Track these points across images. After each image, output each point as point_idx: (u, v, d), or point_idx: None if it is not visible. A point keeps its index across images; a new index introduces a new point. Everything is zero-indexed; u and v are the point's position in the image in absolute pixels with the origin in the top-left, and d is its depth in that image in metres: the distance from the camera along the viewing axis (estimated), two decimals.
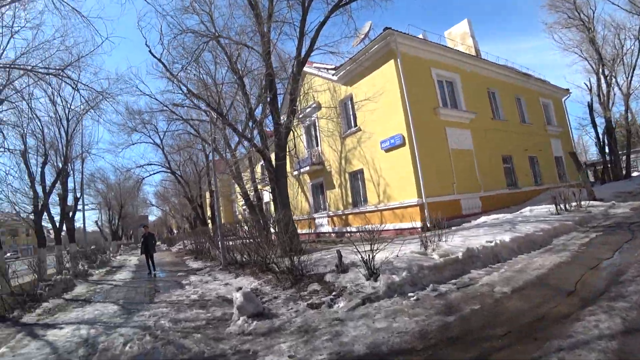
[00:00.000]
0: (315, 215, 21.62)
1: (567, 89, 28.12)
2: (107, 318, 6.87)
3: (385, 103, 15.29)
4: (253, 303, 5.49)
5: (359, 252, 6.48)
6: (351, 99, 17.94)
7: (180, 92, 19.31)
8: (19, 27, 10.68)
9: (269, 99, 12.07)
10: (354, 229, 18.31)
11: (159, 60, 12.52)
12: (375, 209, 16.67)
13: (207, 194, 31.79)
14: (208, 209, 31.72)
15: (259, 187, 24.01)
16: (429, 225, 14.43)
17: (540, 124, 24.23)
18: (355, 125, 17.89)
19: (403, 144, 15.16)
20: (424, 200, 14.62)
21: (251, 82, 14.54)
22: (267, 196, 28.81)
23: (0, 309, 8.25)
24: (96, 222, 47.61)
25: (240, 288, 8.24)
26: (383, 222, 16.41)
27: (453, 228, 11.59)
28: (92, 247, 31.30)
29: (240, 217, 43.94)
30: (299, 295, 6.39)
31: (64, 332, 6.20)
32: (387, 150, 15.96)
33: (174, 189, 41.12)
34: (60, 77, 10.32)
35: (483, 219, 14.10)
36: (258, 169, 26.67)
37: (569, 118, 28.12)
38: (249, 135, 14.02)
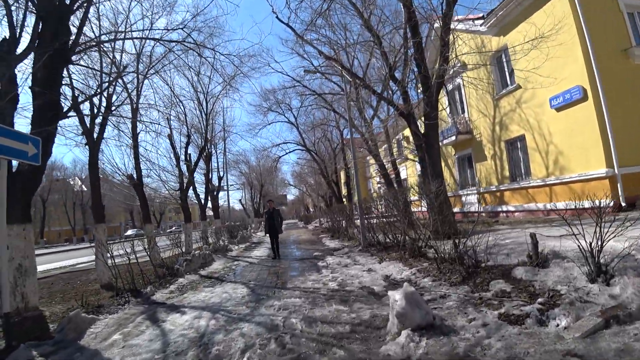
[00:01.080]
0: (462, 192, 18.98)
1: None
2: (233, 305, 5.89)
3: (556, 48, 11.96)
4: (420, 309, 3.77)
5: (574, 235, 4.33)
6: (506, 51, 14.81)
7: (312, 59, 18.54)
8: None
9: (411, 50, 10.11)
10: (511, 208, 15.43)
11: (287, 24, 11.42)
12: (543, 183, 13.55)
13: (342, 172, 31.20)
14: (343, 187, 31.11)
15: (397, 162, 22.33)
16: (624, 204, 11.08)
17: None
18: (513, 82, 14.78)
19: (584, 99, 11.77)
20: (616, 171, 11.19)
21: (390, 38, 12.59)
22: (403, 173, 26.97)
23: (139, 282, 8.08)
24: (240, 200, 51.46)
25: (388, 277, 6.76)
26: (553, 200, 13.29)
27: None
28: (235, 223, 33.45)
29: (375, 195, 42.95)
30: (480, 298, 4.48)
31: (184, 319, 5.36)
32: (559, 109, 12.67)
33: (310, 168, 41.72)
34: (199, 48, 9.89)
35: None
36: (394, 143, 24.90)
37: None
38: (390, 97, 12.12)
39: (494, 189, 16.10)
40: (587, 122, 11.72)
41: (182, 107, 16.05)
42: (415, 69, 10.49)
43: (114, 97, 10.49)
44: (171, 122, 15.42)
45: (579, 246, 4.30)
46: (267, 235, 12.47)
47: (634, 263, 4.17)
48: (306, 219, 47.59)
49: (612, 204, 11.18)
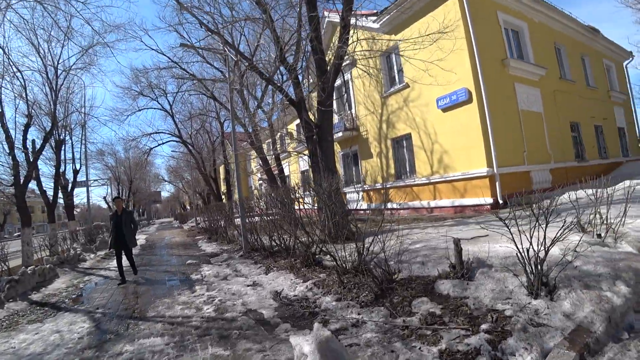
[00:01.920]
0: (346, 190, 18.59)
1: (631, 52, 24.37)
2: (60, 358, 4.01)
3: (445, 51, 11.98)
4: None
5: (513, 237, 3.51)
6: (397, 49, 14.69)
7: (192, 39, 16.39)
8: None
9: (306, 31, 9.00)
10: (396, 206, 15.38)
11: None
12: (427, 181, 13.63)
13: (222, 168, 29.01)
14: (222, 183, 29.00)
15: (280, 158, 21.23)
16: (500, 202, 11.49)
17: (604, 89, 20.77)
18: (402, 81, 14.72)
19: (469, 101, 12.00)
20: (495, 171, 11.58)
21: (282, 20, 11.16)
22: (286, 170, 25.94)
23: None
24: (104, 197, 45.64)
25: (278, 294, 5.42)
26: (436, 198, 13.45)
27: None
28: (100, 223, 28.99)
29: (256, 192, 41.36)
30: (406, 327, 3.41)
31: None
32: (445, 110, 12.81)
33: (186, 162, 38.59)
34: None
35: (566, 195, 10.98)
36: (278, 137, 23.70)
37: (630, 85, 24.50)
38: (279, 84, 10.75)
39: (380, 187, 15.93)
40: (471, 123, 11.96)
41: (21, 78, 12.62)
42: (310, 52, 9.37)
43: None
44: (1, 94, 11.96)
45: (517, 253, 3.49)
46: (111, 250, 8.87)
47: (576, 272, 3.50)
48: (182, 218, 43.97)
49: (491, 201, 11.57)
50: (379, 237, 5.16)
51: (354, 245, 5.42)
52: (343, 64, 10.34)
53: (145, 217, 64.13)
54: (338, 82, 17.92)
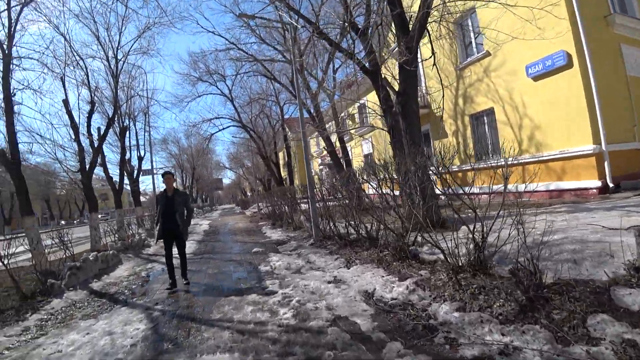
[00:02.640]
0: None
1: None
2: None
3: (536, 11, 10.21)
4: None
5: None
6: (474, 14, 13.01)
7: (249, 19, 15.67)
8: None
9: None
10: (476, 190, 13.80)
11: None
12: (514, 162, 11.95)
13: (281, 153, 28.50)
14: (283, 168, 28.53)
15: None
16: (611, 186, 9.72)
17: None
18: (481, 49, 13.05)
19: (568, 66, 10.19)
20: (603, 148, 9.78)
21: None
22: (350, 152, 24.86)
23: None
24: None
25: (370, 295, 4.38)
26: (526, 181, 11.80)
27: None
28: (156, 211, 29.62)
29: (316, 177, 40.80)
30: None
31: None
32: (537, 78, 11.03)
33: (247, 147, 38.73)
34: None
35: None
36: (345, 118, 22.62)
37: None
38: (350, 50, 9.55)
39: (456, 169, 14.42)
40: (571, 93, 10.17)
41: (83, 66, 12.53)
42: (388, 8, 8.10)
43: None
44: (66, 82, 11.90)
45: None
46: (159, 241, 6.80)
47: None
48: (243, 204, 44.43)
49: (599, 184, 9.82)
50: (486, 224, 4.04)
51: (454, 235, 4.29)
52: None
53: (208, 203, 66.12)
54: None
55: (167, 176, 6.51)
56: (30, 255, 7.55)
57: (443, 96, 11.80)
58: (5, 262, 6.14)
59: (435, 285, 4.11)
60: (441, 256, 4.92)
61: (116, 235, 12.91)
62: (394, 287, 4.39)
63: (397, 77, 8.31)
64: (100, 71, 23.15)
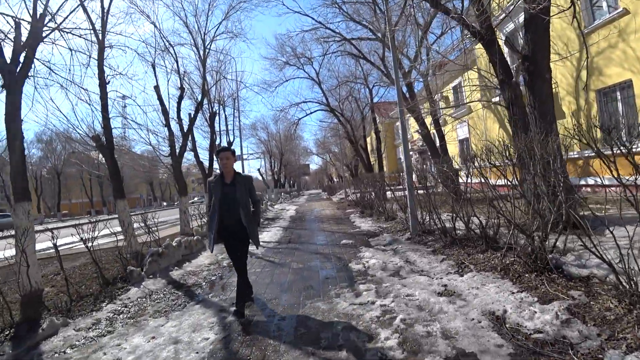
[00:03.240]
0: None
1: None
2: None
3: None
4: None
5: None
6: None
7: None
8: None
9: None
10: (604, 181, 11.59)
11: None
12: None
13: (369, 139, 27.38)
14: (371, 154, 27.43)
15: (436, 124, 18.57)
16: None
17: None
18: (615, 6, 10.73)
19: None
20: None
21: None
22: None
23: (64, 298, 4.98)
24: (258, 169, 48.78)
25: (501, 320, 3.24)
26: None
27: None
28: (256, 193, 30.26)
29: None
30: None
31: None
32: None
33: (334, 133, 38.25)
34: None
35: None
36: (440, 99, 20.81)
37: None
38: (457, 11, 8.06)
39: (576, 156, 12.21)
40: None
41: (173, 53, 12.62)
42: None
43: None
44: (156, 69, 12.03)
45: None
46: (212, 247, 4.66)
47: None
48: (330, 190, 44.20)
49: None
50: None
51: (596, 240, 3.00)
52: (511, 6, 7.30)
53: (295, 188, 67.48)
54: (510, 26, 14.34)
55: (225, 154, 4.46)
56: (114, 238, 7.47)
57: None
58: (90, 245, 6.07)
59: (603, 318, 2.88)
60: (598, 271, 3.64)
61: (203, 220, 12.95)
62: (534, 312, 3.23)
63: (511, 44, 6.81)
64: (190, 58, 23.85)
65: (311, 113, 24.14)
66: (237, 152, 21.02)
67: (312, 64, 22.28)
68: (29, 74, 6.49)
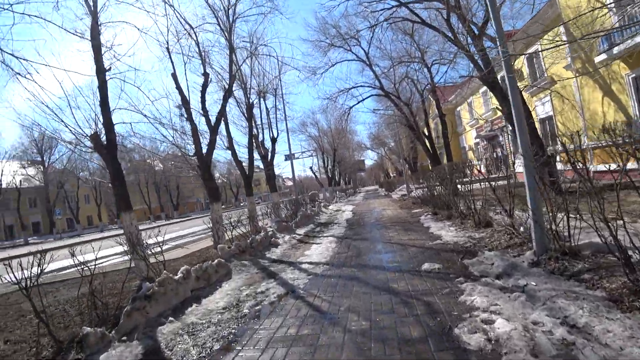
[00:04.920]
0: None
1: None
2: None
3: None
4: None
5: None
6: None
7: None
8: None
9: None
10: None
11: None
12: None
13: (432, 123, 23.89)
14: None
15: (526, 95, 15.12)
16: None
17: None
18: None
19: None
20: None
21: None
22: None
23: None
24: (310, 168, 46.71)
25: None
26: None
27: None
28: (309, 192, 27.88)
29: (470, 154, 34.93)
30: None
31: None
32: None
33: (387, 125, 35.11)
34: None
35: None
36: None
37: None
38: None
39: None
40: None
41: (193, 33, 10.33)
42: None
43: None
44: (171, 55, 9.79)
45: None
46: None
47: None
48: (388, 186, 40.67)
49: None
50: None
51: None
52: None
53: (351, 186, 64.73)
54: None
55: None
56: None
57: None
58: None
59: None
60: None
61: (237, 230, 10.51)
62: None
63: None
64: (216, 47, 21.71)
65: (363, 100, 21.16)
66: (284, 148, 18.75)
67: (360, 43, 19.39)
68: None
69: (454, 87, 30.59)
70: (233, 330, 4.22)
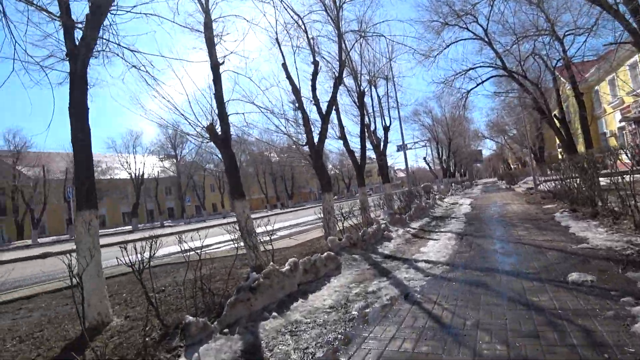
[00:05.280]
0: None
1: None
2: None
3: None
4: None
5: None
6: None
7: None
8: None
9: None
10: None
11: None
12: None
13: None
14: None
15: None
16: None
17: None
18: None
19: None
20: None
21: None
22: None
23: None
24: (424, 158, 45.05)
25: None
26: None
27: None
28: (426, 183, 26.56)
29: (613, 140, 29.95)
30: None
31: None
32: None
33: (510, 110, 31.96)
34: None
35: None
36: None
37: None
38: None
39: None
40: None
41: (302, 23, 10.15)
42: None
43: None
44: (280, 45, 9.72)
45: None
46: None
47: None
48: (509, 178, 36.95)
49: None
50: None
51: None
52: None
53: (467, 177, 60.94)
54: None
55: None
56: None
57: None
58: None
59: None
60: None
61: (351, 220, 10.12)
62: None
63: None
64: (325, 34, 21.53)
65: (483, 82, 19.07)
66: (396, 138, 18.03)
67: (478, 19, 17.48)
68: None
69: (589, 63, 26.29)
70: (339, 336, 3.78)
